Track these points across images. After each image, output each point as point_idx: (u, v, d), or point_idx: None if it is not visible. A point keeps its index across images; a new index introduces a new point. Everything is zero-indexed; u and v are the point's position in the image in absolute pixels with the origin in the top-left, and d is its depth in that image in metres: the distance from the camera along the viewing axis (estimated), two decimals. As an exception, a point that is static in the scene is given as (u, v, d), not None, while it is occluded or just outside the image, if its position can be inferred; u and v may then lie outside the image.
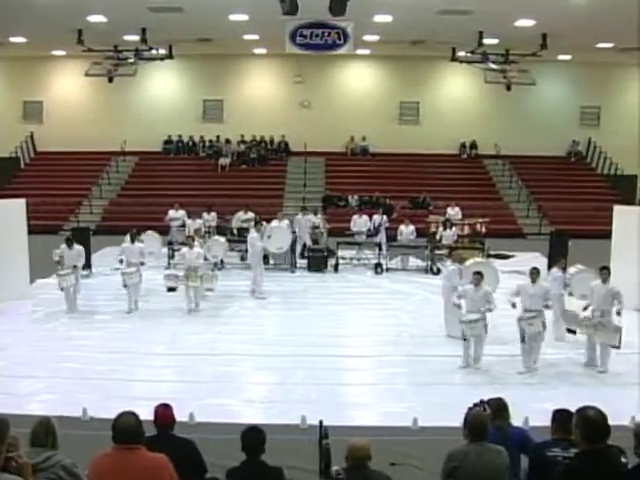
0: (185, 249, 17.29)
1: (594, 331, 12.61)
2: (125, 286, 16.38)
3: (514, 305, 12.84)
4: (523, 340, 12.55)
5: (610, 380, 12.14)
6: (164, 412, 6.51)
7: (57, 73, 34.42)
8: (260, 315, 16.37)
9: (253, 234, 19.12)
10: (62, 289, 16.17)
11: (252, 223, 21.61)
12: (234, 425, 8.13)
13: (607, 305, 12.69)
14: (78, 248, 16.87)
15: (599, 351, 12.69)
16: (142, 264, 17.10)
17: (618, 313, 12.65)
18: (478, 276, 13.09)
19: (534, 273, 12.99)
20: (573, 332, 13.67)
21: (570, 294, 14.36)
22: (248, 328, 14.85)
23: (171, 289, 16.99)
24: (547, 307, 12.85)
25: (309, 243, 22.70)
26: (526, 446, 6.43)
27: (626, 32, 24.42)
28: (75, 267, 16.45)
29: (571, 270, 14.85)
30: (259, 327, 15.31)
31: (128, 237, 17.49)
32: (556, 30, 23.52)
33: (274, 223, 20.98)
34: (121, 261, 17.10)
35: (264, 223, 20.51)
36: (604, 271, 13.04)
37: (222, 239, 20.63)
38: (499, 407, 6.75)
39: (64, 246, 16.85)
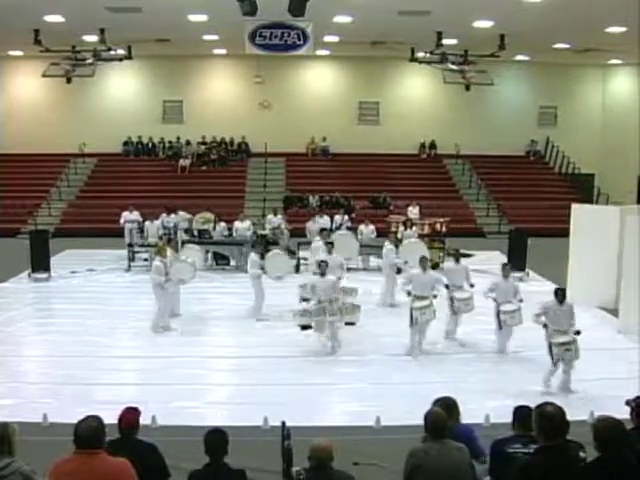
0: (316, 277, 13.93)
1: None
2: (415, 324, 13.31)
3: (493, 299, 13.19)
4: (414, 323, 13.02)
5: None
6: (127, 416, 6.43)
7: (14, 74, 33.87)
8: (221, 317, 16.25)
9: (388, 246, 17.76)
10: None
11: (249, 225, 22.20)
12: (197, 428, 8.09)
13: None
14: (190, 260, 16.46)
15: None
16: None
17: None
18: (425, 260, 13.56)
19: (505, 268, 13.43)
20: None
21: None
22: (209, 329, 14.77)
23: (305, 327, 13.40)
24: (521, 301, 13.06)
25: None
26: (467, 445, 6.39)
27: (581, 33, 24.84)
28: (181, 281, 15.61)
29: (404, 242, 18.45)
30: (220, 328, 15.25)
31: (451, 259, 14.87)
32: (514, 31, 23.78)
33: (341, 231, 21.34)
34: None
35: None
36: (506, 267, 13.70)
37: (190, 262, 17.43)
38: (449, 406, 6.74)
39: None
